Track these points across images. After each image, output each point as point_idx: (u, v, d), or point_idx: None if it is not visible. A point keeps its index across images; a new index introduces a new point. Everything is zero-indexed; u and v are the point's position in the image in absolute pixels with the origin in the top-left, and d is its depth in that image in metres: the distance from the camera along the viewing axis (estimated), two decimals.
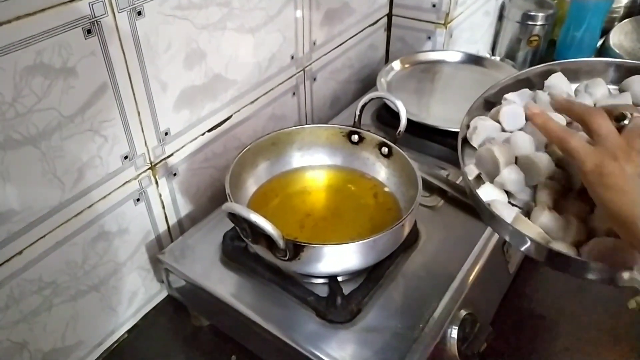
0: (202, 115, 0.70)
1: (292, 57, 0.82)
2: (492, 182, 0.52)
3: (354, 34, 0.97)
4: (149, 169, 0.65)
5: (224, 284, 0.62)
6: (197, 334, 0.70)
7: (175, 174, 0.69)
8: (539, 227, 0.46)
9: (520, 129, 0.54)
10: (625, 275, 0.37)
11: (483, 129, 0.54)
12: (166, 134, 0.65)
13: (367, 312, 0.58)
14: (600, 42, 1.21)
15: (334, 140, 0.72)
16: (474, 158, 0.55)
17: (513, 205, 0.51)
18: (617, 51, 1.13)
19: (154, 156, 0.65)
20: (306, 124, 0.84)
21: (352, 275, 0.62)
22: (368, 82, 1.07)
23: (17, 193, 0.51)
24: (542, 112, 0.43)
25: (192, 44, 0.64)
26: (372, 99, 0.70)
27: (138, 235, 0.67)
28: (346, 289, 0.59)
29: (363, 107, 0.70)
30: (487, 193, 0.50)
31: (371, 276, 0.61)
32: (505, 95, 0.57)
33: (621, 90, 0.56)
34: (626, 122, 0.40)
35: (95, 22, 0.51)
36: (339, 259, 0.55)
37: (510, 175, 0.50)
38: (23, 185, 0.51)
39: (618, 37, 1.18)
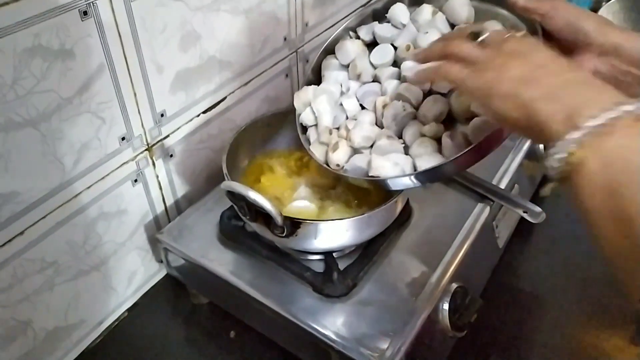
0: (197, 97, 0.70)
1: (285, 39, 0.83)
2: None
3: (347, 15, 0.97)
4: (146, 150, 0.66)
5: (222, 262, 0.64)
6: (196, 311, 0.72)
7: (171, 155, 0.70)
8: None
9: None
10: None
11: (327, 65, 0.64)
12: (162, 115, 0.66)
13: (362, 286, 0.60)
14: None
15: None
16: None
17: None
18: None
19: (151, 137, 0.66)
20: None
21: (347, 251, 0.64)
22: None
23: (18, 174, 0.51)
24: (417, 70, 0.48)
25: (186, 26, 0.64)
26: None
27: (136, 215, 0.68)
28: (341, 265, 0.61)
29: None
30: (307, 118, 0.62)
31: (366, 252, 0.63)
32: (357, 28, 0.65)
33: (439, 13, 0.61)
34: (482, 37, 0.43)
35: (91, 4, 0.52)
36: (334, 234, 0.57)
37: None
38: (24, 166, 0.52)
39: (606, 17, 1.19)
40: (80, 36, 0.52)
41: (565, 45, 0.52)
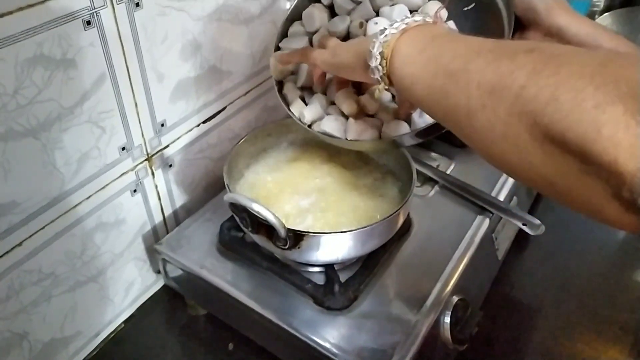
0: (198, 107, 0.70)
1: None
2: None
3: None
4: (145, 160, 0.65)
5: (222, 273, 0.63)
6: (193, 323, 0.71)
7: (171, 165, 0.70)
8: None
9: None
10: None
11: (293, 32, 0.63)
12: (162, 125, 0.65)
13: (363, 299, 0.60)
14: None
15: None
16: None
17: None
18: None
19: (151, 147, 0.65)
20: None
21: (348, 263, 0.63)
22: None
23: (18, 184, 0.51)
24: (281, 56, 0.58)
25: (187, 35, 0.64)
26: None
27: (135, 226, 0.68)
28: (342, 277, 0.60)
29: None
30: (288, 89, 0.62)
31: (366, 264, 0.62)
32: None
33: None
34: None
35: (94, 14, 0.51)
36: (337, 246, 0.56)
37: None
38: (24, 176, 0.51)
39: None
40: (82, 45, 0.52)
41: (521, 22, 0.52)
